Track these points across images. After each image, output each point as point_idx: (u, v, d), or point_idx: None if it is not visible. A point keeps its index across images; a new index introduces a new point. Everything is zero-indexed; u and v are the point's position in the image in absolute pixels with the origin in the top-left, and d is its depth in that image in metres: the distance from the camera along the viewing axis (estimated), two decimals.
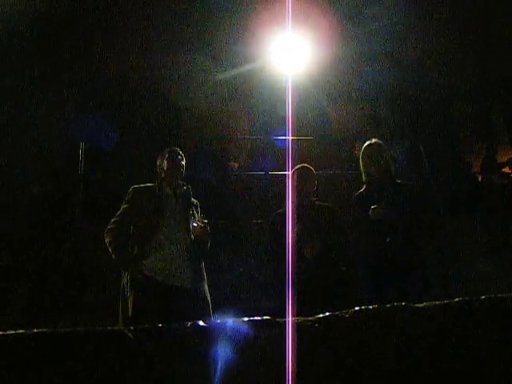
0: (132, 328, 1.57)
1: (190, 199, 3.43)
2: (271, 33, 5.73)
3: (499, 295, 1.76)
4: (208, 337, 1.55)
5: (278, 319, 1.63)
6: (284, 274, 2.95)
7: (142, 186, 3.43)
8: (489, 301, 1.72)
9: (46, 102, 6.02)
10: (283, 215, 3.38)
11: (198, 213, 3.45)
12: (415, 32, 6.14)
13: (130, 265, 3.15)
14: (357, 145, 5.95)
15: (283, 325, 1.59)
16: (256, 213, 5.57)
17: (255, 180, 6.09)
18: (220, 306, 3.28)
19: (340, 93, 7.02)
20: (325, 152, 6.54)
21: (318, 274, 3.29)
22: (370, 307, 1.68)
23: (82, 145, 5.82)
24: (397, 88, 6.79)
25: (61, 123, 6.09)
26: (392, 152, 3.98)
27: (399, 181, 3.58)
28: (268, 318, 1.64)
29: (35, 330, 1.50)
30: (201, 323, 1.61)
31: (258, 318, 1.62)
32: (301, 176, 3.61)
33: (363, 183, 3.60)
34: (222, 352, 1.50)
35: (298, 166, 3.70)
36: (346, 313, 1.66)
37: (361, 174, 3.64)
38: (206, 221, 3.33)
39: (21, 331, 1.49)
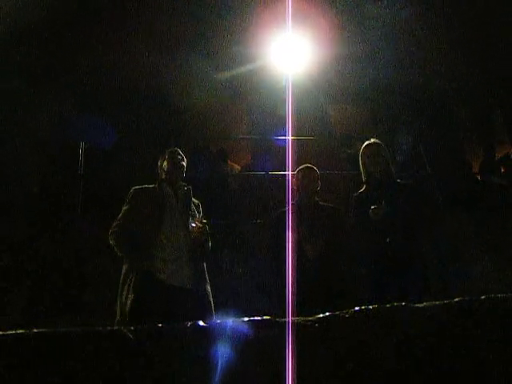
0: (132, 328, 1.57)
1: (190, 200, 3.44)
2: (271, 33, 5.73)
3: (499, 295, 1.76)
4: (208, 337, 1.55)
5: (277, 319, 1.63)
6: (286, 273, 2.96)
7: (142, 186, 3.43)
8: (489, 301, 1.72)
9: (46, 102, 6.02)
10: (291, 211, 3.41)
11: (199, 213, 3.45)
12: (415, 32, 6.14)
13: (143, 263, 3.14)
14: (357, 145, 5.95)
15: (283, 325, 1.59)
16: (256, 213, 5.56)
17: (255, 180, 6.09)
18: (220, 306, 3.29)
19: (340, 93, 7.02)
20: (325, 152, 6.54)
21: (319, 274, 3.30)
22: (370, 307, 1.68)
23: (81, 145, 5.81)
24: (397, 88, 6.79)
25: (60, 123, 6.09)
26: (392, 152, 3.98)
27: (399, 180, 3.59)
28: (268, 317, 1.64)
29: (35, 330, 1.50)
30: (201, 323, 1.61)
31: (258, 317, 1.62)
32: (305, 176, 3.63)
33: (363, 183, 3.61)
34: (222, 352, 1.50)
35: (302, 166, 3.71)
36: (346, 313, 1.66)
37: (360, 173, 3.64)
38: (205, 221, 3.33)
39: (21, 331, 1.49)
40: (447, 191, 5.63)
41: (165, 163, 3.48)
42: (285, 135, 4.51)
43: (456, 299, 1.73)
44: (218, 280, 3.68)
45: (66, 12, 5.65)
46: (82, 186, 5.56)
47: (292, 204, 3.60)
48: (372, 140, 3.64)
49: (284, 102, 4.02)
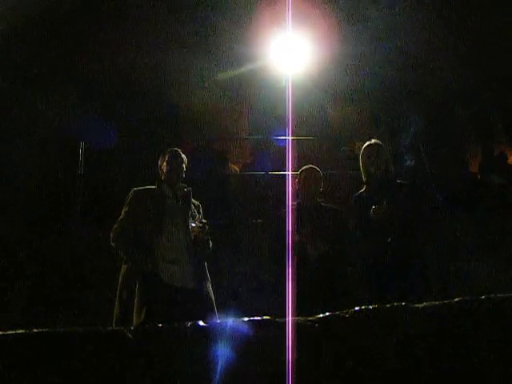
0: (132, 328, 1.57)
1: (190, 201, 3.44)
2: (271, 33, 5.73)
3: (499, 295, 1.76)
4: (208, 337, 1.55)
5: (277, 319, 1.63)
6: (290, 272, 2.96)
7: (142, 188, 3.42)
8: (489, 301, 1.72)
9: (45, 102, 6.01)
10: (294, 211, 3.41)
11: (199, 213, 3.45)
12: (415, 32, 6.14)
13: (148, 264, 3.14)
14: (357, 144, 5.95)
15: (283, 325, 1.59)
16: (256, 213, 5.56)
17: (255, 180, 6.09)
18: (220, 306, 3.29)
19: (340, 93, 7.02)
20: (325, 152, 6.54)
21: (320, 275, 3.30)
22: (370, 307, 1.68)
23: (81, 145, 5.81)
24: (396, 88, 6.80)
25: (60, 123, 6.09)
26: (392, 152, 3.98)
27: (399, 180, 3.59)
28: (268, 317, 1.64)
29: (35, 330, 1.50)
30: (201, 323, 1.61)
31: (258, 317, 1.62)
32: (307, 177, 3.64)
33: (363, 183, 3.61)
34: (222, 352, 1.50)
35: (305, 166, 3.72)
36: (346, 313, 1.66)
37: (361, 173, 3.64)
38: (204, 221, 3.33)
39: (21, 331, 1.49)
40: (447, 191, 5.63)
41: (164, 164, 3.47)
42: (285, 135, 4.51)
43: (456, 299, 1.73)
44: (217, 280, 3.68)
45: (66, 11, 5.65)
46: (81, 186, 5.55)
47: (294, 205, 3.60)
48: (372, 140, 3.64)
49: (284, 101, 4.02)
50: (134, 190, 3.39)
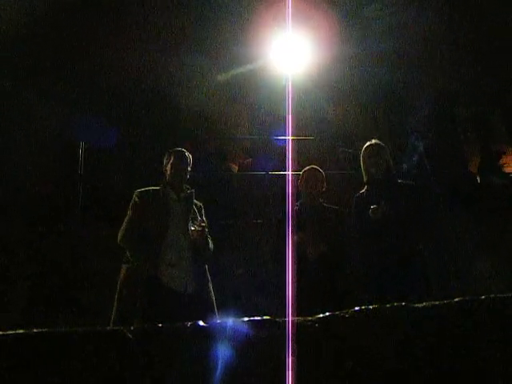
0: (132, 328, 1.57)
1: (192, 203, 3.42)
2: (271, 33, 5.73)
3: (499, 295, 1.76)
4: (208, 337, 1.55)
5: (277, 319, 1.63)
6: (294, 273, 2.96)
7: (146, 189, 3.40)
8: (489, 301, 1.72)
9: (45, 102, 6.01)
10: (296, 212, 3.41)
11: (201, 215, 3.44)
12: (415, 32, 6.14)
13: (149, 267, 3.14)
14: (357, 145, 5.95)
15: (283, 325, 1.59)
16: (256, 213, 5.56)
17: (255, 180, 6.09)
18: (220, 306, 3.29)
19: (340, 93, 7.02)
20: (325, 152, 6.54)
21: (320, 275, 3.30)
22: (370, 307, 1.68)
23: (81, 145, 5.81)
24: (396, 88, 6.79)
25: (60, 123, 6.09)
26: (392, 152, 3.98)
27: (400, 181, 3.59)
28: (268, 317, 1.64)
29: (35, 330, 1.50)
30: (201, 323, 1.61)
31: (258, 317, 1.62)
32: (309, 177, 3.64)
33: (364, 184, 3.61)
34: (222, 352, 1.50)
35: (308, 167, 3.72)
36: (346, 313, 1.66)
37: (361, 174, 3.64)
38: (203, 224, 3.32)
39: (21, 331, 1.49)
40: (447, 191, 5.63)
41: (169, 166, 3.45)
42: (285, 135, 4.50)
43: (456, 299, 1.73)
44: (217, 280, 3.68)
45: (66, 11, 5.65)
46: (81, 186, 5.55)
47: (297, 205, 3.60)
48: (373, 141, 3.64)
49: (284, 101, 4.02)
50: (138, 192, 3.38)
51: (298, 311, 2.05)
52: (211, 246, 3.39)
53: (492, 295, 1.74)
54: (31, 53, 5.81)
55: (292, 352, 1.51)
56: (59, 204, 5.41)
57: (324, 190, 3.68)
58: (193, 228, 3.28)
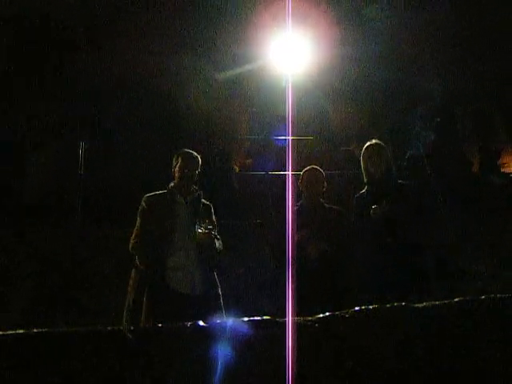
0: (132, 328, 1.57)
1: (199, 205, 3.41)
2: (271, 33, 5.73)
3: (499, 295, 1.76)
4: (208, 337, 1.55)
5: (278, 319, 1.63)
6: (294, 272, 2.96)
7: (153, 194, 3.39)
8: (489, 301, 1.72)
9: (46, 102, 6.01)
10: (297, 212, 3.40)
11: (211, 215, 3.42)
12: (415, 32, 6.15)
13: (156, 271, 3.14)
14: (356, 144, 5.95)
15: (283, 325, 1.59)
16: (256, 213, 5.56)
17: (255, 180, 6.09)
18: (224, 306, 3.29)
19: (340, 93, 7.02)
20: (324, 152, 6.54)
21: (320, 275, 3.30)
22: (370, 307, 1.68)
23: (81, 145, 5.81)
24: (396, 88, 6.79)
25: (60, 123, 6.09)
26: (392, 152, 3.98)
27: (400, 181, 3.58)
28: (268, 317, 1.64)
29: (35, 330, 1.50)
30: (201, 323, 1.61)
31: (258, 317, 1.62)
32: (310, 177, 3.63)
33: (364, 184, 3.60)
34: (222, 352, 1.50)
35: (308, 167, 3.71)
36: (346, 313, 1.66)
37: (361, 173, 3.63)
38: (210, 227, 3.30)
39: (21, 331, 1.49)
40: (447, 191, 5.63)
41: (177, 169, 3.43)
42: (285, 135, 4.50)
43: (456, 299, 1.73)
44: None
45: (68, 11, 5.65)
46: (81, 186, 5.56)
47: (297, 205, 3.60)
48: (373, 141, 3.63)
49: (284, 101, 4.01)
50: (147, 197, 3.37)
51: (298, 311, 2.05)
52: (219, 246, 3.37)
53: (492, 295, 1.74)
54: (33, 52, 5.81)
55: (292, 352, 1.51)
56: (59, 204, 5.41)
57: (324, 189, 3.68)
58: (200, 230, 3.26)
